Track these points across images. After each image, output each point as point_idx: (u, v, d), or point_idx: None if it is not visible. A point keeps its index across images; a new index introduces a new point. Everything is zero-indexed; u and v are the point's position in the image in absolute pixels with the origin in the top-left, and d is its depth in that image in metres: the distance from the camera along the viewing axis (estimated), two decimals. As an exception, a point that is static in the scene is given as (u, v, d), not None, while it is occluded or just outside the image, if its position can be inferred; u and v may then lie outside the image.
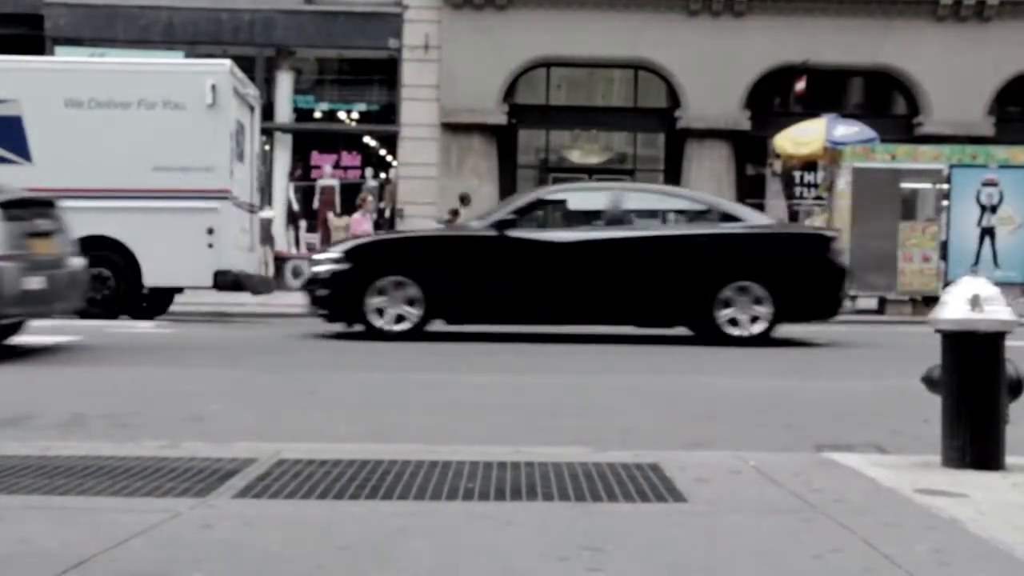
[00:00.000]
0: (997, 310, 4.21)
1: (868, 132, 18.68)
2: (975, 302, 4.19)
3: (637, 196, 12.44)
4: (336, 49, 23.69)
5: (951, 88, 22.61)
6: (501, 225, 11.48)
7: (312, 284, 11.56)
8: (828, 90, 23.13)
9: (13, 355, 9.36)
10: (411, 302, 11.19)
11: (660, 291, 11.40)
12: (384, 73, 23.82)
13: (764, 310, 11.23)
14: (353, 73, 24.57)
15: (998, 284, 4.47)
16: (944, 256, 16.82)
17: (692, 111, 22.84)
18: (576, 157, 24.59)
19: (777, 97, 23.81)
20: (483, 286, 11.39)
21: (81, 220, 13.88)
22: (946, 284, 14.22)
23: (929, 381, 4.40)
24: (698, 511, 3.61)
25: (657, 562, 2.99)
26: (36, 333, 11.09)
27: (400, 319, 11.22)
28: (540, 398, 7.18)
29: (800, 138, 18.87)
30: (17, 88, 14.58)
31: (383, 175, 24.16)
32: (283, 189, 23.42)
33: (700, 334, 11.52)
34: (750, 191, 23.95)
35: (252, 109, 16.61)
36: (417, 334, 11.14)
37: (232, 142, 14.76)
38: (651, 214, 12.44)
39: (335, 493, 3.80)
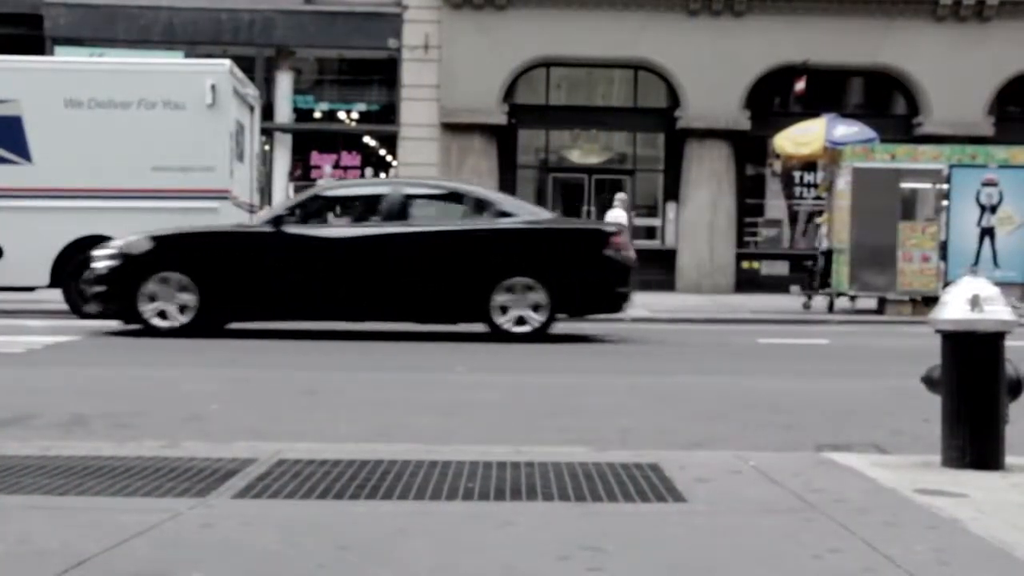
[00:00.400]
0: (997, 310, 4.21)
1: (868, 132, 18.66)
2: (975, 302, 4.19)
3: (415, 191, 12.27)
4: (336, 49, 23.68)
5: (951, 88, 22.60)
6: (278, 221, 11.44)
7: (89, 281, 11.50)
8: (828, 90, 23.12)
9: (13, 355, 9.37)
10: (185, 300, 11.15)
11: (436, 287, 11.33)
12: (384, 73, 23.82)
13: (540, 306, 11.17)
14: (353, 73, 24.56)
15: (998, 284, 4.47)
16: (944, 256, 16.81)
17: (692, 111, 22.84)
18: (576, 157, 24.59)
19: (777, 97, 23.80)
20: (260, 283, 11.33)
21: (81, 220, 13.95)
22: (946, 284, 14.21)
23: (929, 381, 4.40)
24: (698, 511, 3.61)
25: (657, 562, 2.99)
26: (37, 333, 11.10)
27: (175, 315, 11.17)
28: (540, 398, 7.18)
29: (800, 138, 18.85)
30: (17, 88, 14.57)
31: (383, 175, 24.16)
32: (283, 189, 23.42)
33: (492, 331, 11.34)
34: (750, 191, 23.97)
35: (252, 109, 16.60)
36: (193, 331, 11.06)
37: (232, 142, 14.75)
38: (428, 209, 12.23)
39: (335, 493, 3.80)
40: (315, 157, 23.78)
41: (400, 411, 6.49)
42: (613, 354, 10.77)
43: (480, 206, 11.97)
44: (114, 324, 11.80)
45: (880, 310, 17.18)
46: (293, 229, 11.39)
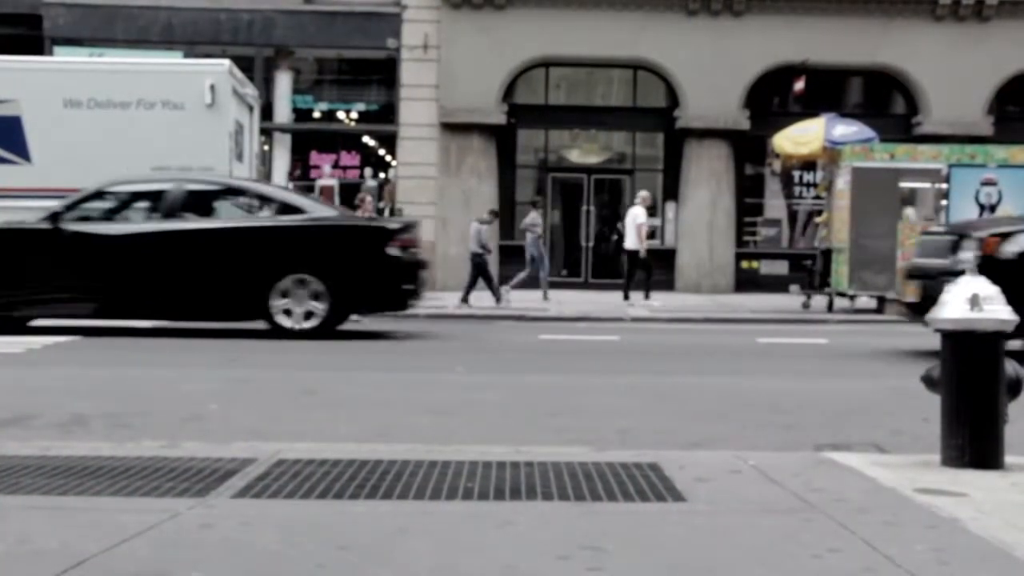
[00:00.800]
0: (996, 309, 4.21)
1: (867, 132, 18.65)
2: (974, 301, 4.19)
3: (197, 188, 12.09)
4: (335, 49, 23.66)
5: (950, 87, 22.59)
6: (55, 218, 11.34)
7: None
8: (827, 90, 23.09)
9: (13, 355, 9.36)
10: None
11: (215, 284, 11.28)
12: (383, 73, 23.80)
13: (321, 303, 11.15)
14: (352, 73, 24.54)
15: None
16: (943, 255, 16.78)
17: (691, 111, 22.83)
18: (575, 157, 24.57)
19: (776, 96, 23.78)
20: (36, 280, 11.26)
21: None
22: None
23: (929, 380, 4.40)
24: (698, 511, 3.61)
25: (657, 562, 2.99)
26: (38, 334, 11.10)
27: None
28: (540, 398, 7.18)
29: (799, 138, 18.84)
30: (16, 88, 14.58)
31: (382, 175, 24.13)
32: (282, 189, 23.42)
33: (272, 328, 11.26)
34: (749, 191, 23.96)
35: (251, 109, 16.61)
36: None
37: (231, 142, 14.76)
38: (212, 207, 12.06)
39: (335, 493, 3.80)
40: (314, 157, 23.76)
41: (400, 411, 6.49)
42: (613, 354, 10.77)
43: (263, 203, 11.88)
44: (113, 324, 11.79)
45: (879, 309, 17.17)
46: (71, 226, 11.31)
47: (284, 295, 11.16)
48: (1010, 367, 4.27)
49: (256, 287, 11.13)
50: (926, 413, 5.06)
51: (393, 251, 11.38)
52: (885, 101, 24.15)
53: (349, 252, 11.43)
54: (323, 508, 3.59)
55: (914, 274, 10.70)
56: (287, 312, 11.16)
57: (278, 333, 11.10)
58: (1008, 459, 4.27)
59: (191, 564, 2.89)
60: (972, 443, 4.21)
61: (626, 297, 18.57)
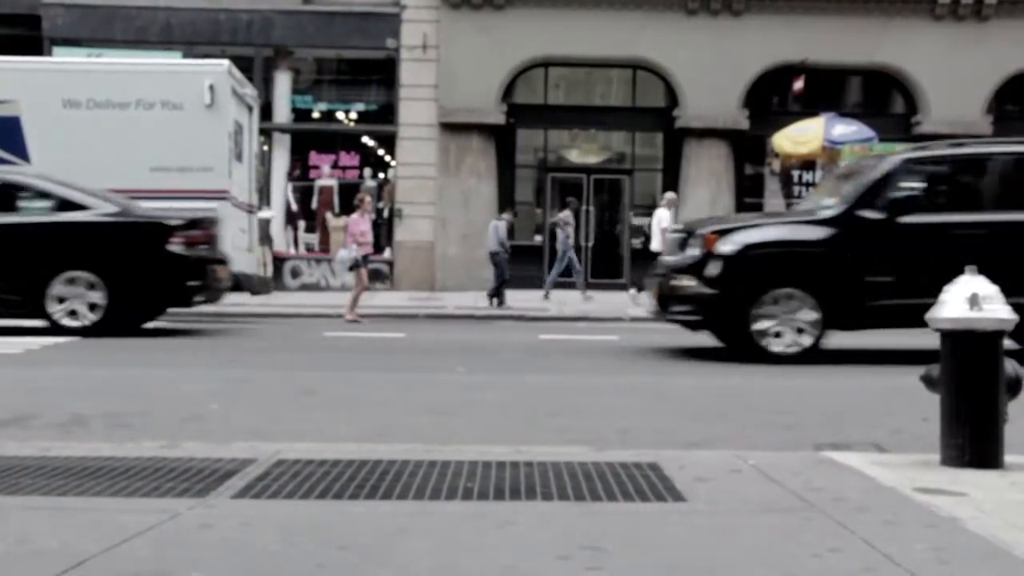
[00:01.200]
0: (996, 308, 4.21)
1: (866, 131, 18.66)
2: (974, 301, 4.19)
3: None
4: (334, 49, 23.65)
5: (949, 87, 22.60)
6: None
7: None
8: (826, 89, 23.11)
9: (13, 355, 9.36)
10: None
11: None
12: (382, 73, 23.79)
13: (100, 300, 11.15)
14: (351, 73, 24.54)
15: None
16: (942, 255, 16.76)
17: (690, 110, 22.83)
18: (574, 156, 24.57)
19: (776, 96, 23.79)
20: None
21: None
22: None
23: (928, 380, 4.40)
24: (698, 510, 3.61)
25: (657, 561, 2.99)
26: (38, 334, 11.09)
27: None
28: (540, 398, 7.18)
29: (798, 137, 18.85)
30: (15, 89, 14.58)
31: (381, 175, 24.13)
32: (281, 189, 23.44)
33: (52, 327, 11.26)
34: (749, 190, 23.96)
35: (250, 109, 16.62)
36: None
37: (230, 142, 14.77)
38: None
39: (335, 493, 3.80)
40: (314, 157, 23.75)
41: (400, 411, 6.48)
42: (612, 354, 10.77)
43: (43, 198, 11.72)
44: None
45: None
46: None
47: (62, 292, 11.15)
48: (1010, 366, 4.27)
49: (31, 284, 11.14)
50: (926, 413, 5.06)
51: (175, 248, 11.35)
52: (884, 100, 24.16)
53: (127, 249, 11.43)
54: (323, 508, 3.59)
55: (655, 272, 10.86)
56: (67, 310, 11.17)
57: (58, 331, 11.06)
58: (1008, 458, 4.27)
59: (191, 564, 2.89)
60: (972, 442, 4.21)
61: (639, 290, 18.62)
